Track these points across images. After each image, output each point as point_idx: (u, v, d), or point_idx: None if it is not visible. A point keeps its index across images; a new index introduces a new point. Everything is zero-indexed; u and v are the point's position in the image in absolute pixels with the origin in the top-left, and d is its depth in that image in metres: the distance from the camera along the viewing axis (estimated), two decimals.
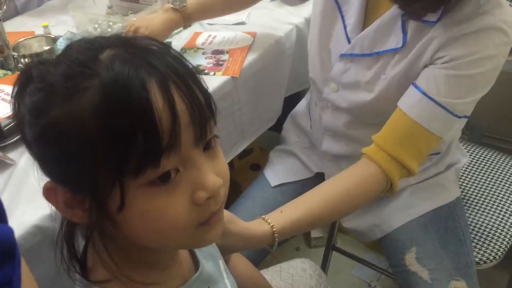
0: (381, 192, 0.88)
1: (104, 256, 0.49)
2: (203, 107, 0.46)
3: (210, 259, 0.62)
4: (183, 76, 0.45)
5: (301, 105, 1.28)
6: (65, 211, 0.46)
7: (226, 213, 0.73)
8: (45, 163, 0.45)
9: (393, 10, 0.89)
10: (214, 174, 0.47)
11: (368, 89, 0.95)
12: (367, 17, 0.94)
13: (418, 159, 0.87)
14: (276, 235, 0.79)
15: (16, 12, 1.57)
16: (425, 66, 0.87)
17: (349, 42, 0.96)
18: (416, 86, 0.86)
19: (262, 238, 0.78)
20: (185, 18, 1.16)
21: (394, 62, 0.90)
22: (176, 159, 0.44)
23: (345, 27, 0.96)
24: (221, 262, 0.66)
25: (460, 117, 0.86)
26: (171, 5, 1.16)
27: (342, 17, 0.97)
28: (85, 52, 0.44)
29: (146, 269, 0.53)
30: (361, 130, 1.02)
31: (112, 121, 0.41)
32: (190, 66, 0.48)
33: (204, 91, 0.47)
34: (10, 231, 0.38)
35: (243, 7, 1.27)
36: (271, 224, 0.79)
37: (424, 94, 0.84)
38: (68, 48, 0.46)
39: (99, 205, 0.44)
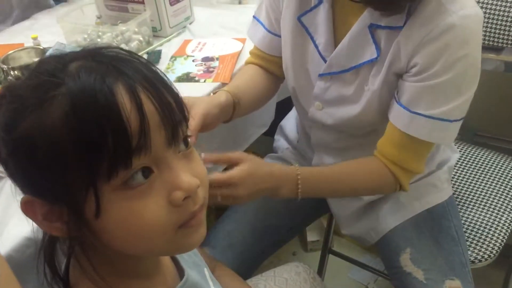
0: (390, 185, 0.93)
1: (88, 268, 0.49)
2: (173, 109, 0.46)
3: (194, 268, 0.62)
4: (151, 80, 0.46)
5: (290, 117, 1.28)
6: (44, 225, 0.47)
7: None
8: (21, 177, 0.46)
9: (360, 23, 0.88)
10: (189, 174, 0.47)
11: (354, 102, 0.95)
12: (337, 33, 0.94)
13: (421, 161, 0.93)
14: (298, 172, 0.88)
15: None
16: (402, 74, 0.87)
17: (324, 61, 0.95)
18: (401, 105, 0.86)
19: (287, 170, 0.89)
20: (233, 96, 0.98)
21: (373, 73, 0.90)
22: (147, 160, 0.44)
23: (316, 46, 0.96)
24: (206, 270, 0.66)
25: (459, 120, 0.87)
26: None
27: (312, 37, 0.96)
28: (53, 64, 0.45)
29: (130, 278, 0.53)
30: (350, 143, 1.03)
31: (80, 126, 0.41)
32: (159, 71, 0.48)
33: (174, 94, 0.48)
34: None
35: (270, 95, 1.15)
36: (295, 165, 0.90)
37: (416, 113, 0.85)
38: (39, 62, 0.47)
39: (76, 214, 0.44)
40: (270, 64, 1.09)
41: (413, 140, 0.87)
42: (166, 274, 0.57)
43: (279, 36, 1.04)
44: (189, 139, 0.50)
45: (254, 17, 1.10)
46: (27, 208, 0.46)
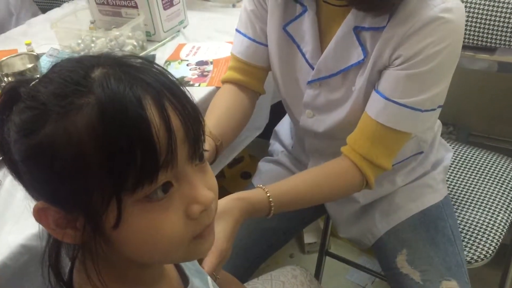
0: (357, 185, 0.92)
1: (93, 275, 0.48)
2: (196, 124, 0.46)
3: (197, 276, 0.62)
4: (176, 94, 0.45)
5: (284, 122, 1.28)
6: (56, 232, 0.46)
7: None
8: (35, 183, 0.45)
9: (344, 26, 0.89)
10: (206, 188, 0.47)
11: (342, 105, 0.95)
12: (322, 40, 0.94)
13: (390, 156, 0.91)
14: (269, 194, 0.85)
15: None
16: (384, 68, 0.88)
17: (312, 68, 0.95)
18: (379, 92, 0.87)
19: (257, 194, 0.86)
20: (215, 139, 0.97)
21: (360, 74, 0.91)
22: (170, 175, 0.44)
23: (303, 55, 0.96)
24: (208, 278, 0.66)
25: (430, 110, 0.87)
26: None
27: (298, 46, 0.96)
28: (75, 70, 0.43)
29: (135, 286, 0.52)
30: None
31: (109, 139, 0.41)
32: (180, 86, 0.48)
33: (195, 108, 0.47)
34: None
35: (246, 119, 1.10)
36: (264, 190, 0.86)
37: (388, 99, 0.85)
38: (57, 66, 0.45)
39: (93, 223, 0.44)
40: (250, 77, 1.06)
41: (385, 131, 0.87)
42: (170, 282, 0.57)
43: (265, 45, 1.03)
44: (204, 153, 0.49)
45: (236, 30, 1.08)
46: (40, 215, 0.45)
